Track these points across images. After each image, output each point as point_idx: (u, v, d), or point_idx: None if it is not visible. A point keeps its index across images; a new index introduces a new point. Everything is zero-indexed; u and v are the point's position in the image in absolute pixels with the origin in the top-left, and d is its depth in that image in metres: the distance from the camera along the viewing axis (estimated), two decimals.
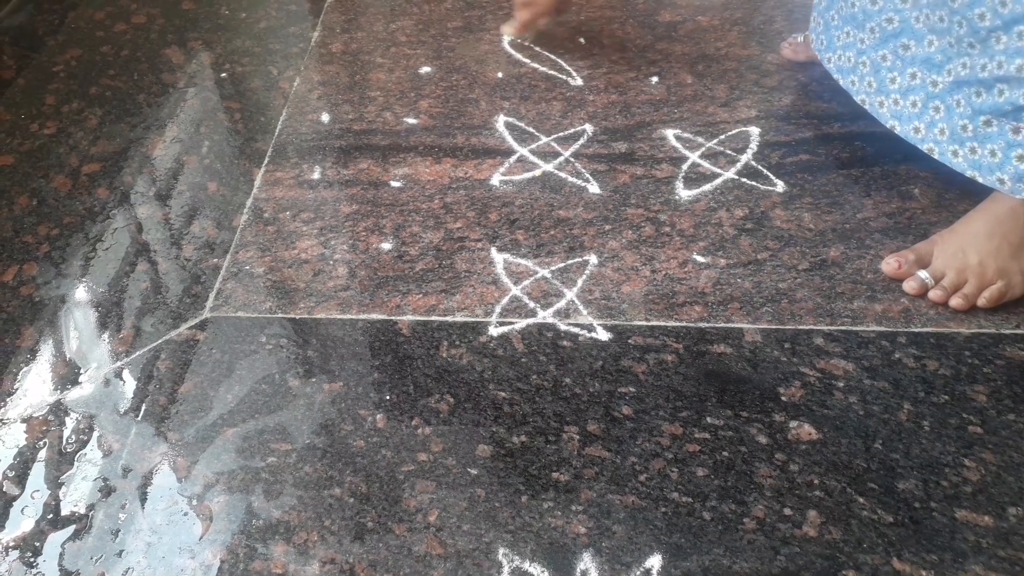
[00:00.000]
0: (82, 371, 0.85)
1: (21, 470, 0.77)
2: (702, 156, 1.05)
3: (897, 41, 0.87)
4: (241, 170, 1.07)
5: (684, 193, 1.01)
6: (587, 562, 0.68)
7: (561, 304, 0.89)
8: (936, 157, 0.87)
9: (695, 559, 0.68)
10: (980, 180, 0.84)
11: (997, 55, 0.79)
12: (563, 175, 1.04)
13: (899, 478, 0.73)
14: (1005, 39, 0.78)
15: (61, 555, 0.71)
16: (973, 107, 0.82)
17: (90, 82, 1.23)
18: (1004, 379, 0.80)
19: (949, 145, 0.85)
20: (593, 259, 0.93)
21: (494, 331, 0.87)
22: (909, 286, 0.87)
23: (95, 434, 0.80)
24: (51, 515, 0.74)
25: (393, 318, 0.88)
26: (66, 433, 0.80)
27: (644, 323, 0.86)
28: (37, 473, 0.77)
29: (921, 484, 0.72)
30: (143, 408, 0.82)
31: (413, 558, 0.69)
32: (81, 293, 0.93)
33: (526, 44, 1.26)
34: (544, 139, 1.09)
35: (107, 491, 0.75)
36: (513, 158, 1.07)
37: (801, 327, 0.85)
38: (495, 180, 1.04)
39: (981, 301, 0.85)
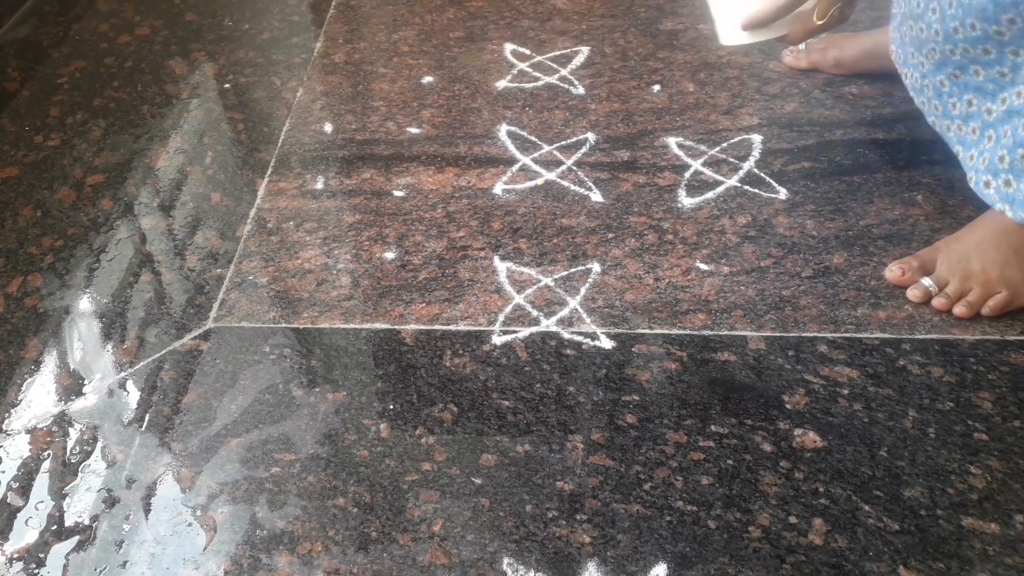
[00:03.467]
0: (86, 382, 0.85)
1: (25, 481, 0.77)
2: (704, 164, 1.05)
3: (946, 69, 0.84)
4: (244, 180, 1.08)
5: (687, 201, 1.01)
6: (592, 572, 0.68)
7: (564, 312, 0.89)
8: (971, 186, 0.84)
9: (700, 568, 0.68)
10: (1009, 215, 0.81)
11: None
12: (566, 183, 1.04)
13: (905, 485, 0.73)
14: None
15: (65, 566, 0.71)
16: (1016, 139, 0.79)
17: (94, 94, 1.24)
18: (1009, 386, 0.80)
19: (983, 175, 0.82)
20: (596, 267, 0.93)
21: (497, 340, 0.87)
22: (913, 293, 0.87)
23: (99, 445, 0.80)
24: (55, 526, 0.74)
25: (396, 327, 0.88)
26: (70, 444, 0.80)
27: (648, 331, 0.86)
28: (41, 484, 0.77)
29: (927, 491, 0.72)
30: (147, 419, 0.82)
31: (417, 568, 0.69)
32: (85, 304, 0.93)
33: (528, 53, 1.26)
34: (546, 148, 1.09)
35: (111, 502, 0.75)
36: (516, 167, 1.07)
37: (805, 334, 0.85)
38: (498, 189, 1.04)
39: (985, 310, 0.85)
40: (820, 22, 0.80)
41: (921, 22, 0.84)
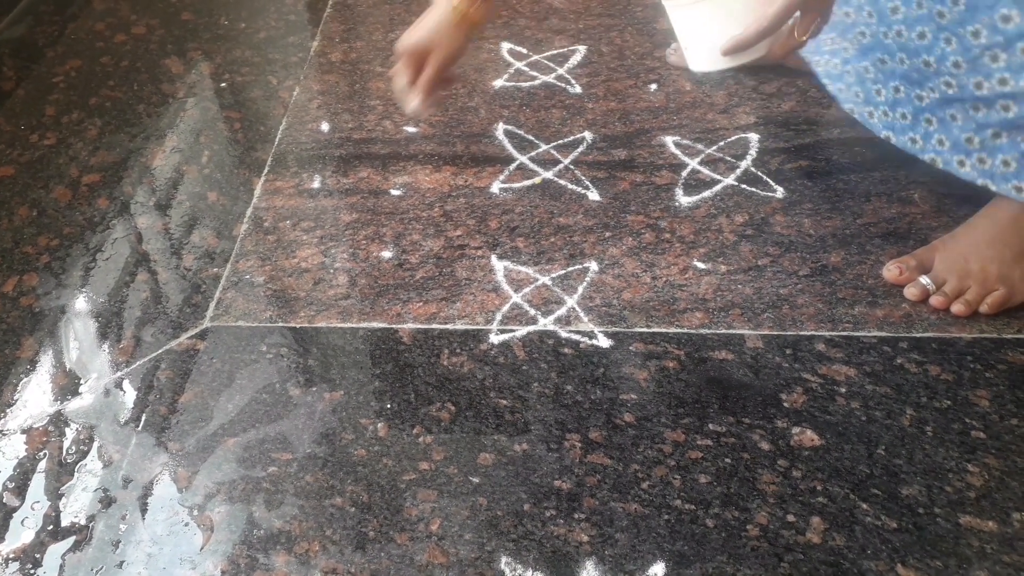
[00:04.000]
0: (82, 381, 0.85)
1: (21, 481, 0.77)
2: (702, 162, 1.05)
3: (873, 55, 0.85)
4: (241, 179, 1.08)
5: (684, 199, 1.01)
6: (590, 570, 0.68)
7: (562, 311, 0.89)
8: (940, 167, 0.85)
9: (698, 567, 0.68)
10: (993, 188, 0.82)
11: (996, 72, 0.76)
12: (563, 182, 1.04)
13: (902, 484, 0.73)
14: (1005, 56, 0.75)
15: (61, 567, 0.71)
16: (977, 121, 0.80)
17: (90, 93, 1.23)
18: (1006, 384, 0.80)
19: (953, 155, 0.83)
20: (593, 266, 0.93)
21: (495, 339, 0.86)
22: (910, 292, 0.87)
23: (95, 445, 0.79)
24: (51, 526, 0.73)
25: (394, 326, 0.88)
26: (66, 444, 0.80)
27: (645, 330, 0.86)
28: (37, 484, 0.77)
29: (925, 489, 0.72)
30: (143, 418, 0.81)
31: (415, 567, 0.69)
32: (81, 303, 0.93)
33: (525, 52, 1.26)
34: (544, 147, 1.09)
35: (107, 502, 0.75)
36: (513, 166, 1.07)
37: (802, 333, 0.85)
38: (495, 188, 1.04)
39: (983, 308, 0.85)
40: (804, 38, 0.80)
41: (848, 6, 0.84)
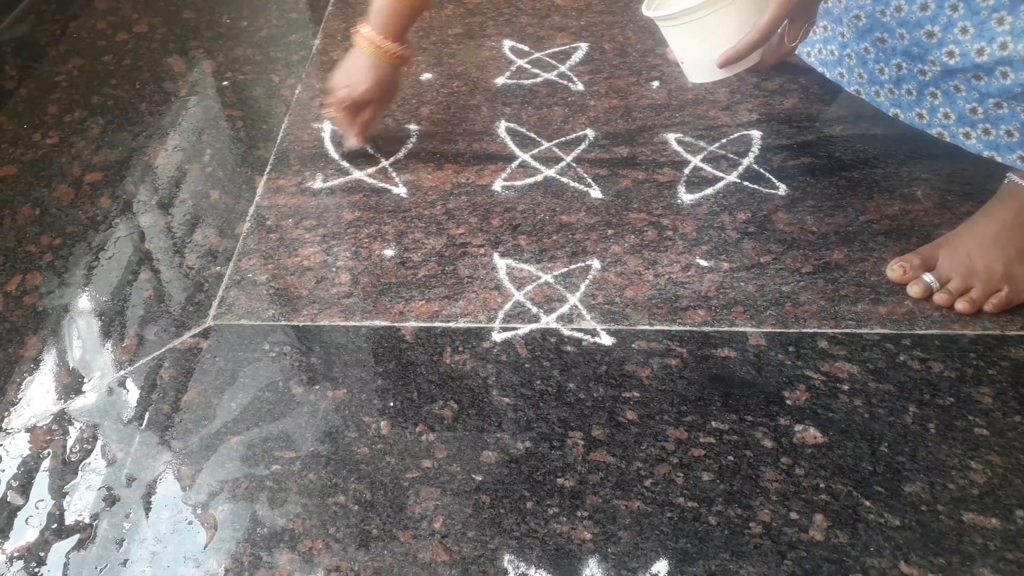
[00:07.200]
0: (86, 380, 0.85)
1: (25, 480, 0.77)
2: (704, 160, 1.05)
3: (871, 35, 0.87)
4: (243, 178, 1.08)
5: (686, 197, 1.00)
6: (593, 568, 0.68)
7: (564, 309, 0.89)
8: (948, 140, 0.86)
9: (701, 564, 0.68)
10: (999, 159, 0.83)
11: (999, 36, 0.77)
12: (565, 180, 1.04)
13: (905, 481, 0.73)
14: (1011, 19, 0.76)
15: (65, 565, 0.71)
16: (979, 91, 0.81)
17: (92, 91, 1.23)
18: (1009, 381, 0.80)
19: (959, 128, 0.84)
20: (596, 264, 0.93)
21: (497, 337, 0.86)
22: (913, 290, 0.87)
23: (99, 443, 0.80)
24: (55, 525, 0.74)
25: (396, 324, 0.88)
26: (70, 443, 0.80)
27: (648, 327, 0.86)
28: (41, 483, 0.77)
29: (928, 487, 0.72)
30: (147, 417, 0.81)
31: (418, 565, 0.69)
32: (84, 302, 0.93)
33: (527, 50, 1.26)
34: (546, 144, 1.09)
35: (111, 500, 0.75)
36: (515, 164, 1.07)
37: (805, 330, 0.85)
38: (497, 186, 1.04)
39: (988, 307, 0.85)
40: (794, 44, 0.83)
41: None
